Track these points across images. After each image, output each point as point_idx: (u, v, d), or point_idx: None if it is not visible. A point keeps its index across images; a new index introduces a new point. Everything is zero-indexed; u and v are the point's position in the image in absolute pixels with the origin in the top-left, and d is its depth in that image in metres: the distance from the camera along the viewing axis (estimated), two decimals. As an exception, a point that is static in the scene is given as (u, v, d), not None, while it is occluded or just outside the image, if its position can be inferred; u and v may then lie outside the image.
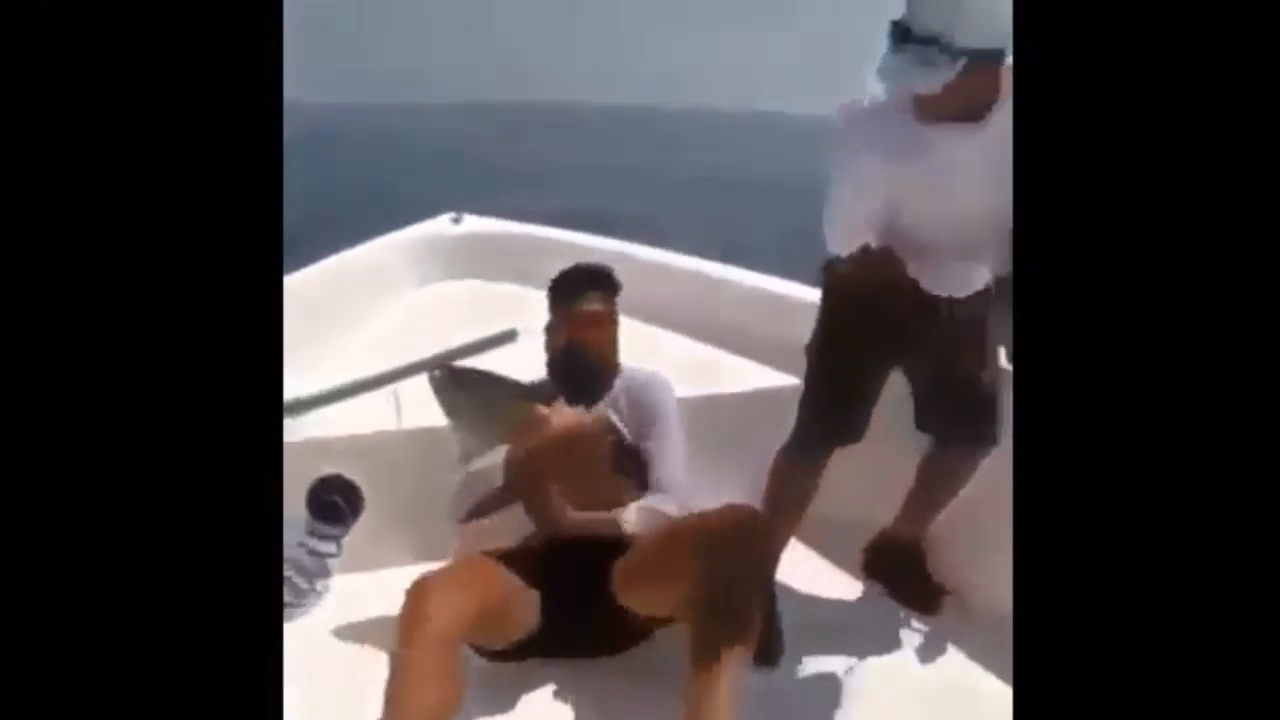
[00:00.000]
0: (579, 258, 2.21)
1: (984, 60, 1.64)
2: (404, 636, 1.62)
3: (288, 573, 2.18)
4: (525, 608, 1.87)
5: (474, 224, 4.26)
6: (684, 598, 1.67)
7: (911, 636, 2.17)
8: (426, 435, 2.03)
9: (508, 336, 3.12)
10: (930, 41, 1.60)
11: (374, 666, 1.92)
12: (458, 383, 1.85)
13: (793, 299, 2.71)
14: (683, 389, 2.22)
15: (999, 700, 1.85)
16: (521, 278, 3.69)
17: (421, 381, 2.69)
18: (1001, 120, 1.72)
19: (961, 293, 1.88)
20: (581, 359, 2.10)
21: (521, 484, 1.91)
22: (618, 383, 2.15)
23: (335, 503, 2.26)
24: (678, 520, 1.86)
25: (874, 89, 1.77)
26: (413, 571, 2.24)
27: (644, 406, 2.09)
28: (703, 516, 1.76)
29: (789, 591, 2.26)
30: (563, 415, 1.83)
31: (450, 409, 1.85)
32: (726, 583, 1.63)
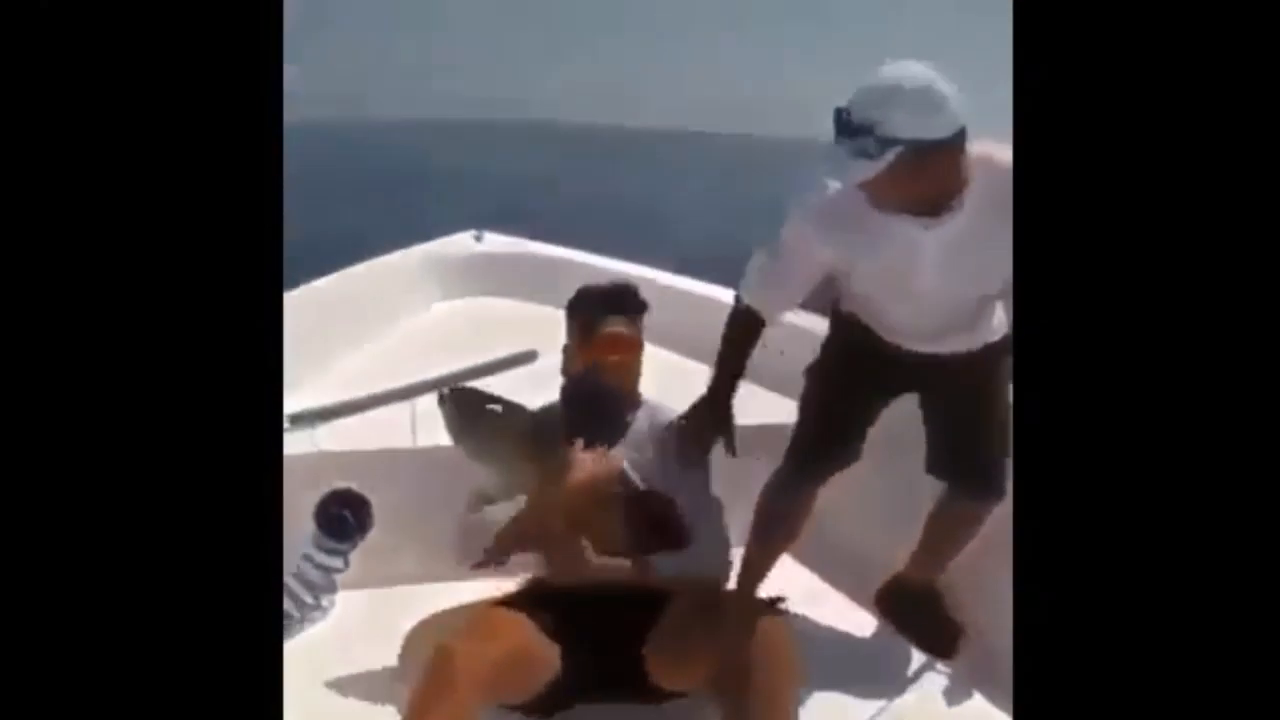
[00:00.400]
0: (603, 280, 2.12)
1: (927, 149, 1.57)
2: (427, 700, 1.53)
3: (291, 586, 2.14)
4: (546, 661, 1.73)
5: (496, 242, 4.26)
6: (717, 685, 1.65)
7: (934, 678, 2.13)
8: (441, 454, 1.99)
9: (527, 357, 3.09)
10: (866, 131, 1.56)
11: (373, 685, 1.88)
12: (466, 407, 1.76)
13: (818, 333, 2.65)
14: None
15: None
16: (543, 298, 3.66)
17: (435, 399, 2.71)
18: (965, 214, 1.68)
19: (945, 350, 1.95)
20: (600, 388, 1.90)
21: (541, 535, 1.79)
22: (639, 416, 1.97)
23: (344, 517, 2.22)
24: (724, 608, 1.76)
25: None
26: (420, 591, 2.24)
27: (664, 450, 1.92)
28: (751, 625, 1.64)
29: (808, 627, 2.22)
30: (587, 463, 1.74)
31: (458, 434, 1.76)
32: (769, 697, 1.59)
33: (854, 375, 2.07)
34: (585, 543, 1.81)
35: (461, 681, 1.52)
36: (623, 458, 1.84)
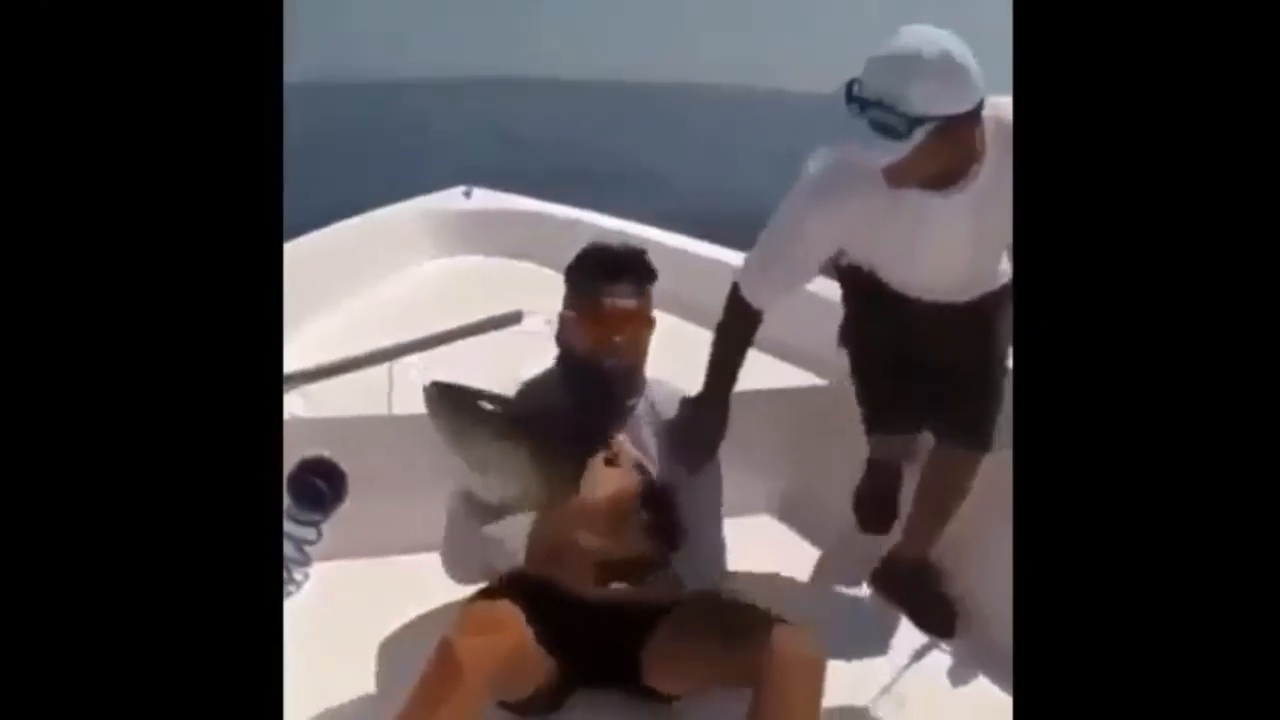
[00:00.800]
0: (598, 239, 1.95)
1: (952, 124, 1.50)
2: (432, 695, 1.42)
3: (262, 559, 2.03)
4: (544, 659, 1.61)
5: (486, 198, 4.14)
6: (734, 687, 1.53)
7: (938, 658, 2.05)
8: (419, 421, 1.88)
9: (512, 318, 2.98)
10: (880, 106, 1.47)
11: (350, 662, 1.76)
12: (456, 406, 1.55)
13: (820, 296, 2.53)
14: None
15: None
16: (533, 256, 3.59)
17: (415, 362, 2.60)
18: (979, 188, 1.61)
19: (950, 299, 1.88)
20: (607, 370, 1.68)
21: (548, 556, 1.61)
22: (642, 401, 1.77)
23: (317, 486, 2.10)
24: (732, 619, 1.60)
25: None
26: (397, 563, 2.14)
27: (675, 447, 1.76)
28: (767, 639, 1.49)
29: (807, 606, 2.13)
30: (605, 480, 1.56)
31: (455, 440, 1.54)
32: (791, 709, 1.47)
33: (872, 337, 2.04)
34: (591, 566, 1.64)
35: (468, 676, 1.41)
36: (644, 472, 1.67)
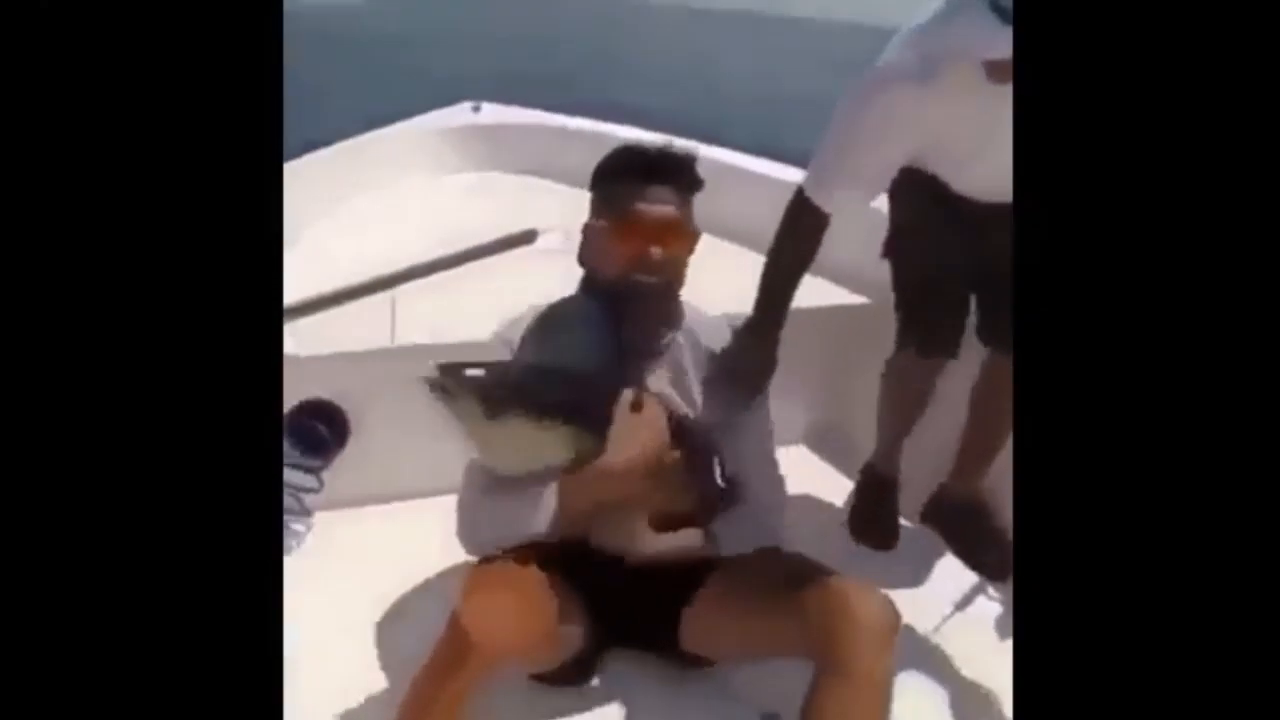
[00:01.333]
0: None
1: None
2: (439, 669, 1.28)
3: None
4: (571, 632, 1.43)
5: (495, 113, 3.91)
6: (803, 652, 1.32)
7: (985, 604, 1.88)
8: (424, 353, 1.68)
9: (526, 237, 2.76)
10: None
11: (356, 622, 1.65)
12: (462, 385, 1.27)
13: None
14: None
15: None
16: (545, 172, 3.39)
17: (421, 288, 2.40)
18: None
19: (1001, 199, 1.65)
20: (642, 289, 1.41)
21: (578, 519, 1.41)
22: (680, 336, 1.51)
23: (317, 430, 1.93)
24: (791, 577, 1.37)
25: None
26: (401, 509, 1.96)
27: (720, 388, 1.53)
28: (834, 602, 1.29)
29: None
30: (633, 431, 1.34)
31: (470, 425, 1.28)
32: (858, 685, 1.25)
33: (936, 229, 1.84)
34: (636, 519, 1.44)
35: (476, 641, 1.24)
36: (680, 415, 1.44)
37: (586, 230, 1.49)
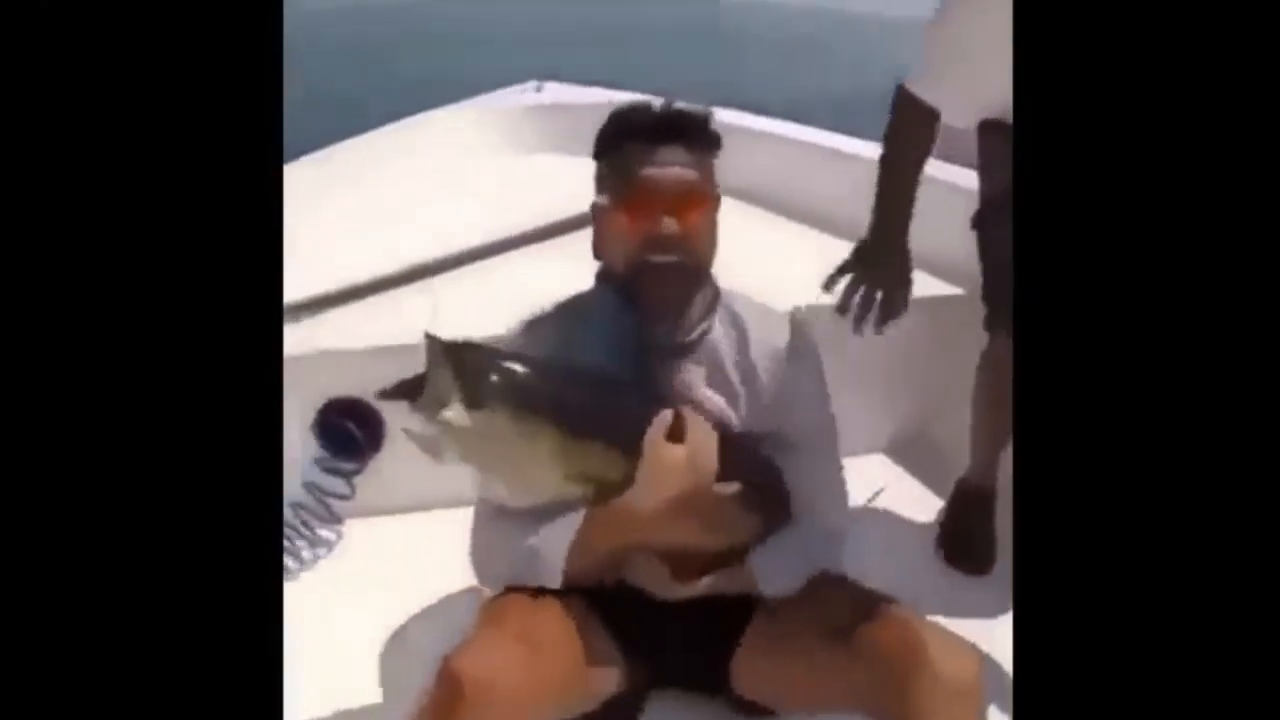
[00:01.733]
0: None
1: None
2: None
3: (289, 520, 1.73)
4: (604, 674, 1.22)
5: (558, 92, 3.76)
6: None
7: None
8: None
9: (587, 220, 2.59)
10: None
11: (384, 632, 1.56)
12: (459, 363, 1.10)
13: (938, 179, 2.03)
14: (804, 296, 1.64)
15: None
16: None
17: (466, 276, 2.25)
18: None
19: None
20: (658, 270, 1.20)
21: (602, 561, 1.22)
22: (716, 319, 1.29)
23: (349, 431, 1.78)
24: (861, 620, 1.15)
25: None
26: (434, 519, 1.81)
27: (770, 376, 1.28)
28: (916, 655, 1.07)
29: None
30: (668, 462, 1.13)
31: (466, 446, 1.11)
32: None
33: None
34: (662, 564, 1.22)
35: (463, 704, 1.03)
36: (725, 434, 1.20)
37: (593, 210, 1.27)
